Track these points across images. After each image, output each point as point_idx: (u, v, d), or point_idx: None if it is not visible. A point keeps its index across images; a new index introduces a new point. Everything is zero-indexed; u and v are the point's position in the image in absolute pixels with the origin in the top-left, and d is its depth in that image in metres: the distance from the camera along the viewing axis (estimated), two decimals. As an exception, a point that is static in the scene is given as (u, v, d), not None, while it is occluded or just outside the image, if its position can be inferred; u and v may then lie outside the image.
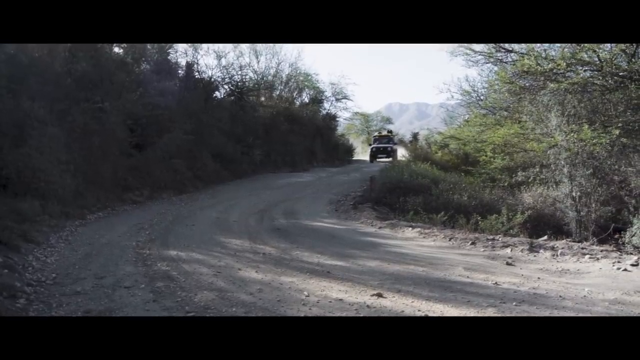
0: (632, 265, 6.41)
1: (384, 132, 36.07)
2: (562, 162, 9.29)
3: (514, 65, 11.91)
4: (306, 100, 31.02)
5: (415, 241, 8.73)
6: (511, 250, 7.68)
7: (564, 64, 9.58)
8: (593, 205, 8.87)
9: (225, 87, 22.78)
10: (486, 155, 14.75)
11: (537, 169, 10.69)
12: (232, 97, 22.29)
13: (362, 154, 43.06)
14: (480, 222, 9.94)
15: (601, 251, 7.28)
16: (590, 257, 6.99)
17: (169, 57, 19.68)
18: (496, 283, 5.69)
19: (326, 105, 32.14)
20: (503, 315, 4.50)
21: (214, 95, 21.87)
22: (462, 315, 4.49)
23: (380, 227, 9.99)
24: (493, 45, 12.27)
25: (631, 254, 7.24)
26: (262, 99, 27.12)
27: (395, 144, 32.22)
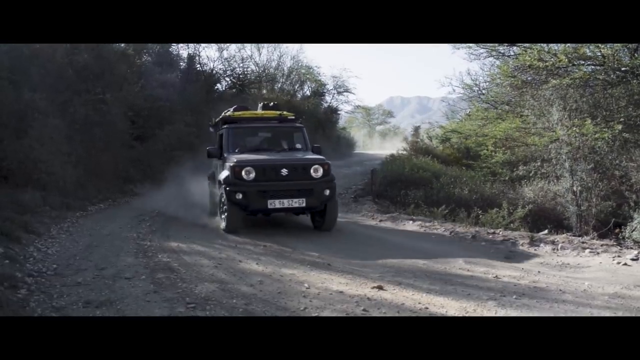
0: (632, 259, 6.42)
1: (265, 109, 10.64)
2: (564, 157, 9.27)
3: (516, 59, 11.87)
4: (308, 93, 30.93)
5: (416, 234, 8.74)
6: (512, 244, 7.68)
7: (566, 59, 9.56)
8: (594, 199, 8.86)
9: (227, 79, 22.77)
10: (487, 149, 14.73)
11: (538, 164, 10.67)
12: (234, 90, 22.26)
13: (363, 147, 43.06)
14: (480, 216, 9.95)
15: (601, 245, 7.28)
16: (590, 252, 6.99)
17: (170, 49, 19.65)
18: (496, 276, 5.70)
19: (328, 98, 32.04)
20: (503, 308, 4.51)
21: (216, 87, 21.84)
22: (462, 307, 4.50)
23: (381, 220, 10.00)
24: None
25: (631, 248, 7.24)
26: (264, 91, 27.06)
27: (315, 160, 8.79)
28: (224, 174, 8.53)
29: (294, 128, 10.08)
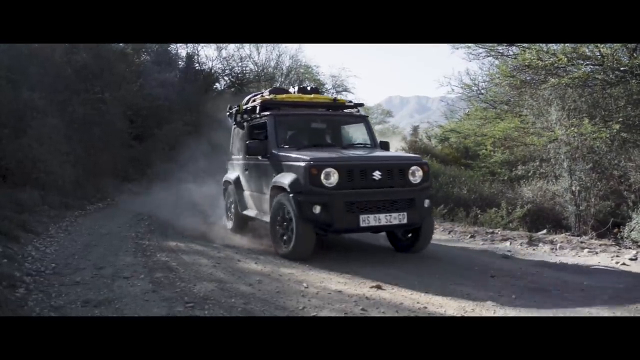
0: (631, 259, 6.43)
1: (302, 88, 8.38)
2: (562, 157, 9.29)
3: (515, 59, 11.87)
4: (307, 92, 30.86)
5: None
6: (510, 244, 7.69)
7: (565, 58, 9.56)
8: (592, 199, 8.88)
9: (226, 78, 22.77)
10: (486, 149, 14.73)
11: (537, 163, 10.69)
12: (233, 89, 22.27)
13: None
14: (479, 216, 9.96)
15: (600, 245, 7.30)
16: (589, 251, 7.00)
17: (169, 49, 19.67)
18: (495, 276, 5.70)
19: (327, 97, 31.91)
20: (502, 307, 4.51)
21: (214, 86, 21.85)
22: (461, 307, 4.51)
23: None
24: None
25: (630, 248, 7.26)
26: (264, 90, 27.05)
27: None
28: (288, 177, 6.29)
29: (357, 118, 8.11)
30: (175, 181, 12.16)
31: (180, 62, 20.45)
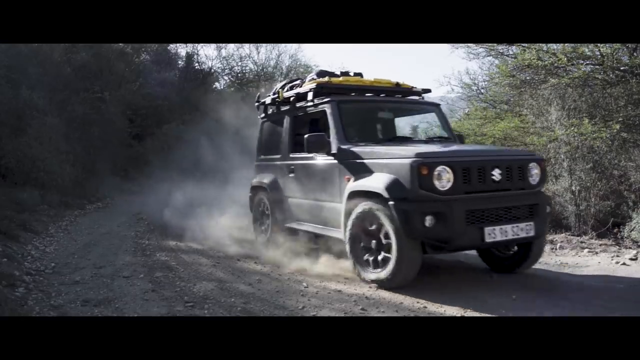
0: (631, 259, 6.42)
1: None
2: (562, 156, 9.28)
3: (515, 59, 11.86)
4: (306, 92, 30.81)
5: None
6: (510, 244, 7.68)
7: (565, 58, 9.55)
8: (592, 199, 8.86)
9: (225, 78, 22.79)
10: (486, 149, 14.72)
11: (537, 163, 10.67)
12: (232, 89, 22.29)
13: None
14: (479, 216, 9.92)
15: (600, 245, 7.29)
16: (589, 251, 7.00)
17: (168, 48, 19.69)
18: (494, 276, 5.69)
19: (326, 97, 31.88)
20: (502, 307, 4.50)
21: (214, 86, 21.88)
22: (460, 307, 4.50)
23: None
24: (494, 38, 12.22)
25: (630, 248, 7.25)
26: (262, 90, 27.02)
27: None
28: (381, 180, 4.84)
29: (429, 106, 6.88)
30: (176, 180, 12.14)
31: (179, 62, 20.50)
